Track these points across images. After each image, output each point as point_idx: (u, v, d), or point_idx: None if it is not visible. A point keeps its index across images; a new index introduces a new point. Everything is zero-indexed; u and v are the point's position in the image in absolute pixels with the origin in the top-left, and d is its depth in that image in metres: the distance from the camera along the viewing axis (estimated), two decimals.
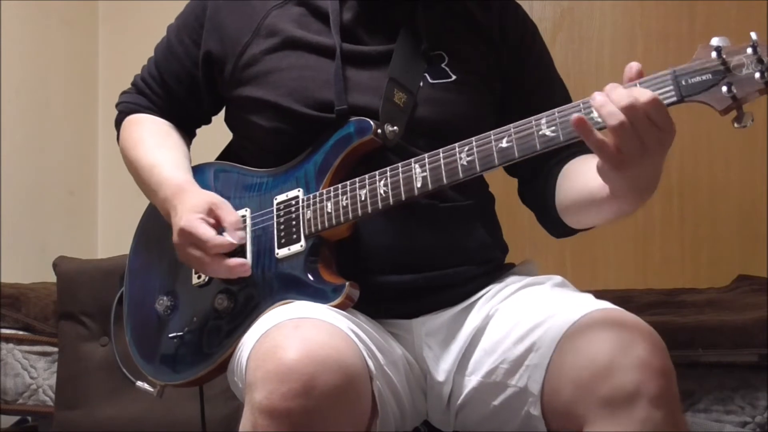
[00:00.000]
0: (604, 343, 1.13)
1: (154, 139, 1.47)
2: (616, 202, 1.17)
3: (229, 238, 1.29)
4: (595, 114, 1.08)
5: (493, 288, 1.35)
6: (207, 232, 1.28)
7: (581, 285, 1.37)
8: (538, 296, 1.30)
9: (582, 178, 1.26)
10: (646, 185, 1.13)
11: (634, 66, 1.09)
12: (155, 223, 1.44)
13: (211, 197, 1.34)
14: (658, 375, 1.10)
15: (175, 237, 1.32)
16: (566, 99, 1.40)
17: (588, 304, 1.21)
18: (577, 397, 1.13)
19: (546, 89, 1.44)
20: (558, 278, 1.37)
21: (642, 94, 1.05)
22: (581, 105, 1.10)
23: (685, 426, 1.13)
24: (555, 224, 1.39)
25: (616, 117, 1.05)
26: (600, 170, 1.12)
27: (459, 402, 1.30)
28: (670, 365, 1.13)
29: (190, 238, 1.29)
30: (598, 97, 1.07)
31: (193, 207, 1.31)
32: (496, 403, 1.25)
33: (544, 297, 1.30)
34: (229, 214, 1.32)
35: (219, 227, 1.31)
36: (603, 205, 1.21)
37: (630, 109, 1.04)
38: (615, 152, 1.07)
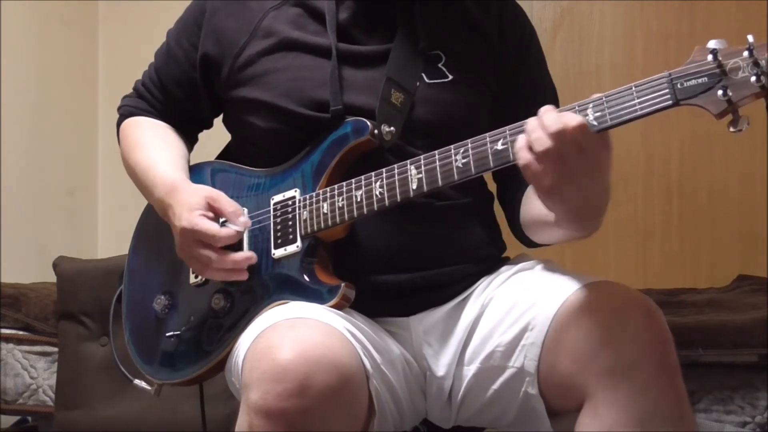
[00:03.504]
0: (601, 314, 1.14)
1: (151, 140, 1.48)
2: (561, 227, 1.19)
3: (234, 227, 1.29)
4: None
5: (486, 279, 1.36)
6: (211, 227, 1.28)
7: None
8: (531, 278, 1.31)
9: (536, 200, 1.26)
10: (584, 214, 1.14)
11: None
12: (154, 223, 1.44)
13: (206, 191, 1.33)
14: (657, 342, 1.11)
15: (177, 238, 1.31)
16: (556, 106, 1.41)
17: (580, 279, 1.22)
18: (576, 369, 1.14)
19: (539, 94, 1.43)
20: (549, 261, 1.37)
21: (571, 119, 1.05)
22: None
23: (684, 392, 1.13)
24: (520, 234, 1.41)
25: (542, 143, 1.06)
26: (536, 195, 1.13)
27: (460, 394, 1.30)
28: (668, 332, 1.13)
29: (195, 235, 1.28)
30: (530, 122, 1.09)
31: (191, 205, 1.30)
32: (495, 386, 1.26)
33: (537, 278, 1.31)
34: (228, 204, 1.32)
35: (219, 219, 1.31)
36: (552, 228, 1.23)
37: (558, 135, 1.05)
38: (541, 175, 1.07)
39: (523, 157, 1.08)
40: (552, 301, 1.20)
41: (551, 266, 1.35)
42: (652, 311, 1.14)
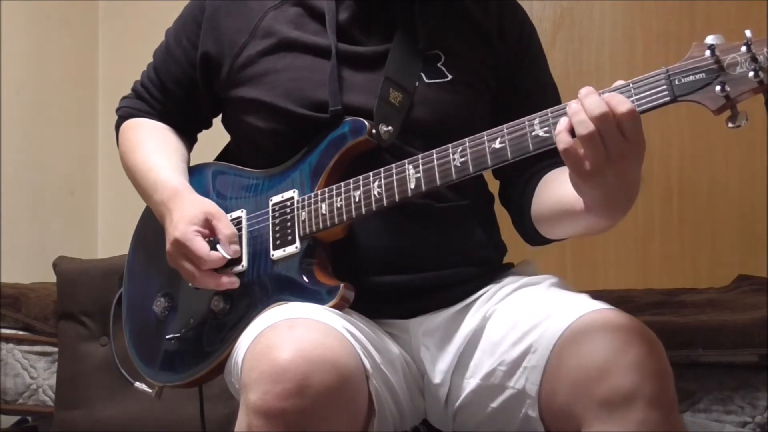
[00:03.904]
0: (601, 345, 1.12)
1: (151, 142, 1.47)
2: (590, 216, 1.16)
3: (223, 252, 1.29)
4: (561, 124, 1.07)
5: (491, 289, 1.35)
6: (201, 248, 1.28)
7: (581, 285, 1.37)
8: (535, 297, 1.30)
9: (561, 188, 1.25)
10: (618, 200, 1.12)
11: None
12: (153, 224, 1.44)
13: (208, 207, 1.33)
14: (655, 376, 1.10)
15: (168, 245, 1.31)
16: (557, 104, 1.40)
17: (585, 305, 1.21)
18: (574, 398, 1.13)
19: (540, 93, 1.43)
20: (554, 278, 1.36)
21: (620, 104, 1.04)
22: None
23: (681, 426, 1.13)
24: (529, 231, 1.38)
25: (586, 126, 1.04)
26: (571, 180, 1.12)
27: (458, 404, 1.30)
28: (667, 366, 1.12)
29: (183, 250, 1.29)
30: (573, 105, 1.07)
31: (189, 217, 1.30)
32: (494, 405, 1.25)
33: (541, 298, 1.29)
34: (226, 227, 1.31)
35: (213, 237, 1.30)
36: (577, 218, 1.20)
37: (601, 119, 1.03)
38: (581, 159, 1.06)
39: (563, 140, 1.06)
40: (555, 325, 1.19)
41: (557, 284, 1.34)
42: (653, 345, 1.13)
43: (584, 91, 1.07)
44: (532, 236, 1.39)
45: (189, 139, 1.56)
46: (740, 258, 2.74)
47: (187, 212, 1.31)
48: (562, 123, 1.07)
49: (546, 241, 1.39)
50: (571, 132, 1.07)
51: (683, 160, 2.83)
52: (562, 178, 1.24)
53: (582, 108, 1.05)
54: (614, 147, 1.04)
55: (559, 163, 1.33)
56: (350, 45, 1.36)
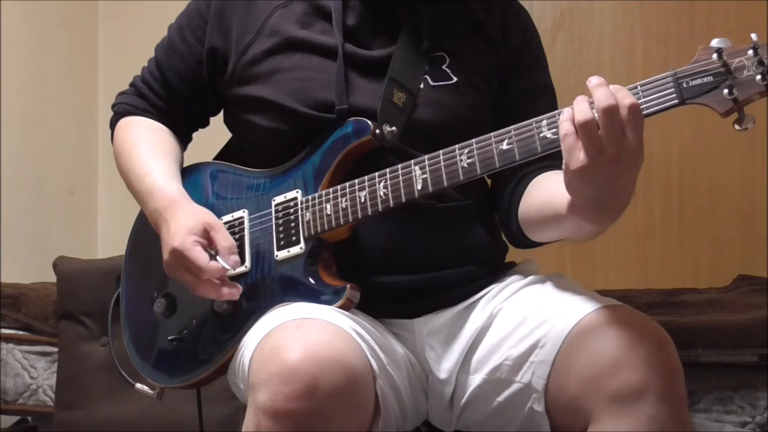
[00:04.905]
0: (612, 340, 1.13)
1: (148, 146, 1.45)
2: (575, 218, 1.16)
3: (223, 263, 1.27)
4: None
5: (495, 287, 1.35)
6: (202, 259, 1.26)
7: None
8: (543, 294, 1.30)
9: (551, 189, 1.25)
10: (606, 206, 1.11)
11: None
12: (150, 225, 1.43)
13: (206, 217, 1.32)
14: (666, 372, 1.10)
15: (165, 255, 1.30)
16: (552, 106, 1.39)
17: (594, 301, 1.21)
18: (583, 393, 1.13)
19: (537, 98, 1.42)
20: (561, 276, 1.36)
21: (624, 97, 1.04)
22: None
23: (690, 425, 1.14)
24: (513, 231, 1.37)
25: (584, 114, 1.04)
26: (564, 175, 1.10)
27: (463, 401, 1.30)
28: (677, 363, 1.13)
29: (183, 260, 1.27)
30: (579, 98, 1.06)
31: (188, 228, 1.29)
32: (500, 399, 1.25)
33: (549, 294, 1.29)
34: (224, 238, 1.30)
35: (212, 248, 1.29)
36: (563, 220, 1.19)
37: (607, 111, 1.03)
38: (577, 149, 1.05)
39: (565, 127, 1.06)
40: (565, 321, 1.19)
41: (564, 282, 1.33)
42: (664, 341, 1.13)
43: (595, 81, 1.06)
44: (516, 236, 1.38)
45: (184, 140, 1.54)
46: (740, 258, 2.74)
47: (185, 222, 1.30)
48: (567, 112, 1.07)
49: (531, 244, 1.38)
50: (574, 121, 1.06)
51: (683, 160, 2.83)
52: (554, 180, 1.24)
53: (585, 97, 1.05)
54: (611, 141, 1.04)
55: (553, 167, 1.32)
56: (356, 46, 1.36)
